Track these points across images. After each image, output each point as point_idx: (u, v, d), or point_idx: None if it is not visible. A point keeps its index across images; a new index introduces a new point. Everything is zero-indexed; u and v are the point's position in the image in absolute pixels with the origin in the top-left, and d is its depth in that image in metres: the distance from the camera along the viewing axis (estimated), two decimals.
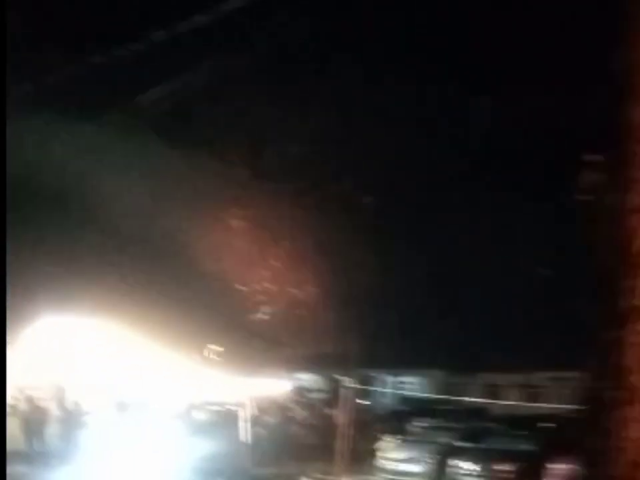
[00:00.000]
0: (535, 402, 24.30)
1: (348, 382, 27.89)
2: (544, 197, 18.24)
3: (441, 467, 17.87)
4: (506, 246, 25.70)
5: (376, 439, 20.03)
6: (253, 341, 27.08)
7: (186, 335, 23.74)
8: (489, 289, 25.96)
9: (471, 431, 19.25)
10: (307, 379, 31.28)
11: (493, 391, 26.66)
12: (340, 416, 22.78)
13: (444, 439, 18.95)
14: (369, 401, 27.63)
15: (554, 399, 24.98)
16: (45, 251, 22.98)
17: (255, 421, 21.64)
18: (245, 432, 20.80)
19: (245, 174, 26.72)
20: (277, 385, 27.57)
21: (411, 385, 30.60)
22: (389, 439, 19.79)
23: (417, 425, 21.16)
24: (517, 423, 19.86)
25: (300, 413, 24.13)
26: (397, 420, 23.58)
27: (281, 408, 23.55)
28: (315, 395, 28.37)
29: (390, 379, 30.67)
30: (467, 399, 25.17)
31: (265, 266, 27.41)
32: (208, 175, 26.24)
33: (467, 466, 17.29)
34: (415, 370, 30.06)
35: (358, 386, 25.93)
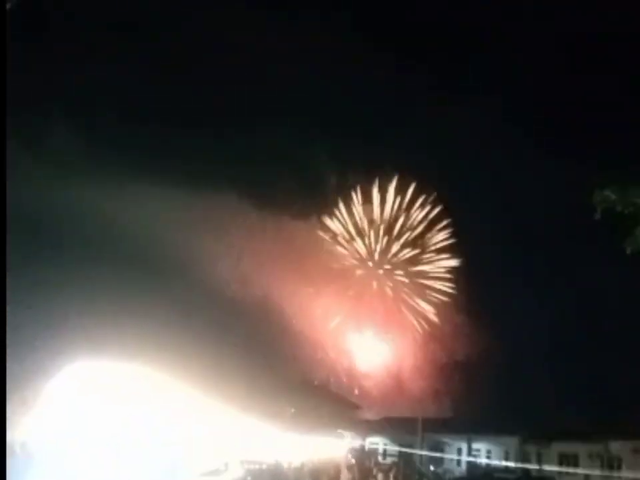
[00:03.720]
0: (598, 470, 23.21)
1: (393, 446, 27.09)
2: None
3: None
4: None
5: None
6: (324, 403, 27.05)
7: (260, 394, 23.89)
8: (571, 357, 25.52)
9: None
10: (368, 442, 30.79)
11: (566, 460, 25.72)
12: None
13: None
14: (436, 467, 27.05)
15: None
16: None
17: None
18: None
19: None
20: (336, 447, 27.15)
21: (482, 452, 29.74)
22: None
23: None
24: None
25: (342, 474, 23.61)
26: None
27: (322, 469, 23.14)
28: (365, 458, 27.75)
29: (461, 445, 29.96)
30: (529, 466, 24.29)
31: (343, 332, 27.72)
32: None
33: None
34: (488, 437, 29.26)
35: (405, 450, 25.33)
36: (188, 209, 23.95)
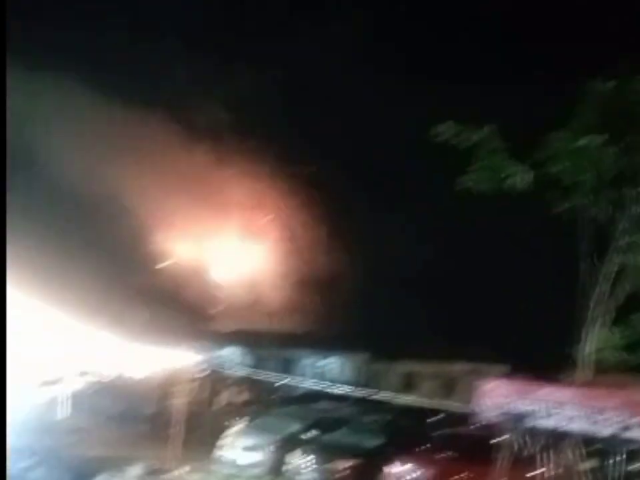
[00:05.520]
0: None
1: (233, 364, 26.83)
2: None
3: (279, 458, 16.38)
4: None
5: (227, 425, 18.46)
6: (175, 313, 26.26)
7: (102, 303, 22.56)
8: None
9: (320, 420, 17.95)
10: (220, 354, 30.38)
11: (407, 383, 26.43)
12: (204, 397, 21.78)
13: (294, 427, 17.71)
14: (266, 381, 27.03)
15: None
16: None
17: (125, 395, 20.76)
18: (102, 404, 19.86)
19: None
20: (187, 359, 26.55)
21: (328, 368, 30.29)
22: (239, 425, 18.53)
23: (278, 410, 19.98)
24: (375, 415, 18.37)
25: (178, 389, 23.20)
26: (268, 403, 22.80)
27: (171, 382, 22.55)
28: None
29: (307, 361, 30.36)
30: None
31: (200, 239, 26.54)
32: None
33: (302, 460, 15.98)
34: (337, 354, 29.79)
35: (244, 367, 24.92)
36: (28, 95, 21.12)
